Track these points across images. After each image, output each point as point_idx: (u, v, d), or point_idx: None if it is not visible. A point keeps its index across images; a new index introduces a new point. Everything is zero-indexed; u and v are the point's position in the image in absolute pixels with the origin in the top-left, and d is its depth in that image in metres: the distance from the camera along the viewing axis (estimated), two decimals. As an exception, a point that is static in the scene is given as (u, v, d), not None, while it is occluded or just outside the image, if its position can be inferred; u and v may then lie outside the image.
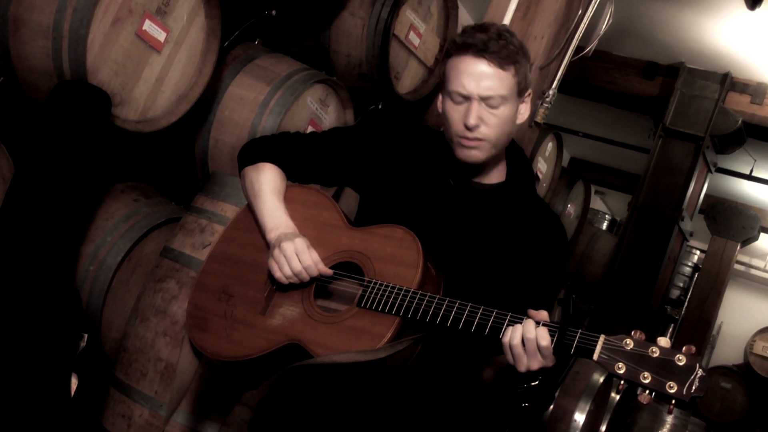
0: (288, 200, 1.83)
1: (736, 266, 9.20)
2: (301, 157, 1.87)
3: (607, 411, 3.82)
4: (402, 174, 1.80)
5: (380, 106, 3.78)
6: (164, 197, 3.26)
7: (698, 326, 7.67)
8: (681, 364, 1.35)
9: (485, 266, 1.72)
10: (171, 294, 2.69)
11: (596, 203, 9.05)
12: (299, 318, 1.67)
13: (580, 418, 3.41)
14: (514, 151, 1.83)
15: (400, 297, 1.56)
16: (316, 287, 1.71)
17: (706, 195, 5.94)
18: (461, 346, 1.71)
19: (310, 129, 3.21)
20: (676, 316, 8.10)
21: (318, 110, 3.24)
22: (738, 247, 7.97)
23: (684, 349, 1.36)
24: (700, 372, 1.34)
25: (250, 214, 1.86)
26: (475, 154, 1.69)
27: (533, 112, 3.14)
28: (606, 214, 8.13)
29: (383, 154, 1.83)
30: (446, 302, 1.55)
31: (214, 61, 2.89)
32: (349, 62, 3.56)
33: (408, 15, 3.60)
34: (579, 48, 3.23)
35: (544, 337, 1.46)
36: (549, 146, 4.71)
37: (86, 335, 2.63)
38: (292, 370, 1.60)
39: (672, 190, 5.18)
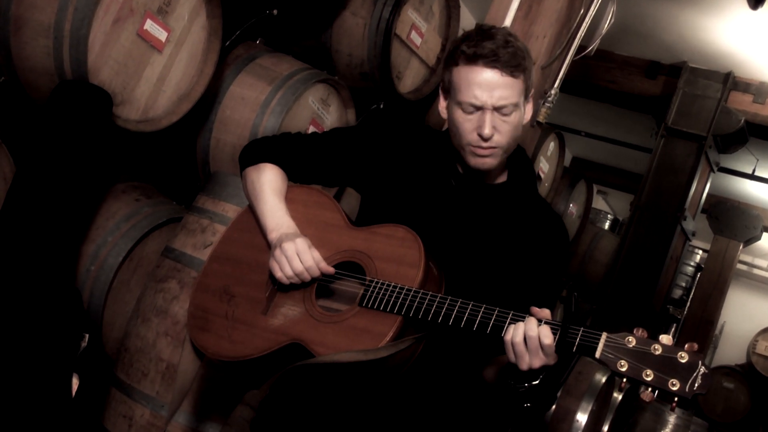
0: (289, 200, 1.83)
1: (739, 266, 9.19)
2: (302, 158, 1.86)
3: (610, 411, 3.81)
4: (403, 174, 1.80)
5: (382, 106, 3.78)
6: (165, 197, 3.26)
7: (701, 326, 7.66)
8: (683, 361, 1.35)
9: (486, 266, 1.72)
10: (172, 294, 2.68)
11: (598, 203, 9.04)
12: (301, 318, 1.67)
13: (582, 418, 3.40)
14: (516, 151, 1.83)
15: (402, 296, 1.56)
16: (317, 287, 1.71)
17: (708, 194, 5.93)
18: (463, 345, 1.71)
19: (311, 129, 3.20)
20: (678, 315, 8.09)
21: (319, 110, 3.23)
22: (740, 247, 7.96)
23: (686, 346, 1.36)
24: (702, 369, 1.33)
25: (252, 214, 1.85)
26: (489, 162, 1.70)
27: (535, 112, 3.14)
28: (608, 213, 8.12)
29: (385, 154, 1.82)
30: (448, 301, 1.54)
31: (215, 60, 2.89)
32: (350, 62, 3.56)
33: (410, 14, 3.60)
34: (581, 47, 3.22)
35: (547, 335, 1.45)
36: (551, 146, 4.70)
37: (87, 335, 2.63)
38: (293, 369, 1.60)
39: (674, 190, 5.17)
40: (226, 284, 1.82)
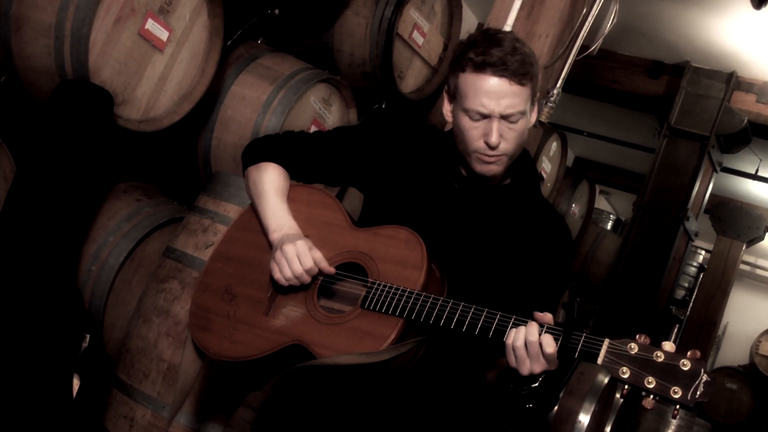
0: (292, 200, 1.83)
1: (742, 266, 9.16)
2: (305, 157, 1.86)
3: (612, 412, 3.80)
4: (407, 174, 1.79)
5: (384, 106, 3.77)
6: (167, 197, 3.25)
7: (703, 327, 7.64)
8: (686, 369, 1.34)
9: (490, 268, 1.71)
10: (173, 294, 2.68)
11: (601, 203, 9.02)
12: (302, 319, 1.67)
13: (584, 419, 3.40)
14: (519, 153, 1.82)
15: (404, 299, 1.55)
16: (319, 288, 1.71)
17: (711, 195, 5.92)
18: (465, 348, 1.70)
19: (313, 128, 3.20)
20: (681, 316, 8.07)
21: (321, 109, 3.23)
22: (743, 247, 7.94)
23: (689, 353, 1.35)
24: (705, 377, 1.33)
25: (254, 213, 1.85)
26: (495, 169, 1.69)
27: (538, 112, 3.13)
28: (611, 213, 8.09)
29: (388, 154, 1.82)
30: (450, 304, 1.54)
31: (216, 60, 2.89)
32: (352, 61, 3.56)
33: (412, 14, 3.59)
34: (584, 47, 3.21)
35: (549, 344, 1.45)
36: (553, 146, 4.69)
37: (88, 336, 2.63)
38: (295, 371, 1.60)
39: (677, 190, 5.15)
40: (228, 284, 1.82)
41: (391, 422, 1.71)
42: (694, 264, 8.43)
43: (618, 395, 3.81)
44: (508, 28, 3.04)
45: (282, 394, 1.75)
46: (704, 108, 5.15)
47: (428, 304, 1.54)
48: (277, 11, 3.37)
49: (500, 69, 1.60)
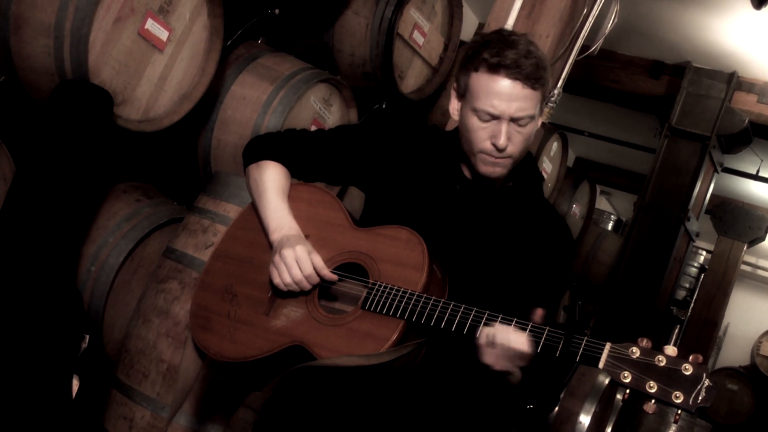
0: (292, 199, 1.82)
1: (743, 267, 9.16)
2: (306, 155, 1.85)
3: (613, 413, 3.79)
4: (408, 174, 1.79)
5: (384, 106, 3.76)
6: (166, 197, 3.25)
7: (704, 327, 7.63)
8: (687, 373, 1.33)
9: (491, 268, 1.71)
10: (173, 295, 2.67)
11: (602, 203, 9.01)
12: (303, 319, 1.66)
13: (585, 419, 3.39)
14: (522, 154, 1.81)
15: (405, 300, 1.54)
16: (320, 288, 1.70)
17: (712, 195, 5.91)
18: (466, 349, 1.70)
19: (313, 128, 3.18)
20: (682, 317, 8.06)
21: (321, 109, 3.22)
22: (744, 248, 7.93)
23: (691, 358, 1.34)
24: (707, 382, 1.32)
25: (255, 212, 1.84)
26: (499, 171, 1.69)
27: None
28: (611, 214, 8.09)
29: (390, 154, 1.81)
30: (451, 306, 1.53)
31: (216, 60, 2.88)
32: (352, 61, 3.55)
33: (412, 14, 3.59)
34: (584, 47, 3.21)
35: (519, 341, 1.46)
36: (554, 146, 4.68)
37: (88, 336, 2.62)
38: (296, 372, 1.59)
39: (678, 190, 5.14)
40: (229, 283, 1.81)
41: (392, 423, 1.70)
42: (695, 264, 8.42)
43: (619, 397, 3.80)
44: (508, 27, 3.04)
45: (283, 395, 1.74)
46: (705, 108, 5.14)
47: (429, 305, 1.53)
48: (277, 11, 3.36)
49: (514, 71, 1.59)
